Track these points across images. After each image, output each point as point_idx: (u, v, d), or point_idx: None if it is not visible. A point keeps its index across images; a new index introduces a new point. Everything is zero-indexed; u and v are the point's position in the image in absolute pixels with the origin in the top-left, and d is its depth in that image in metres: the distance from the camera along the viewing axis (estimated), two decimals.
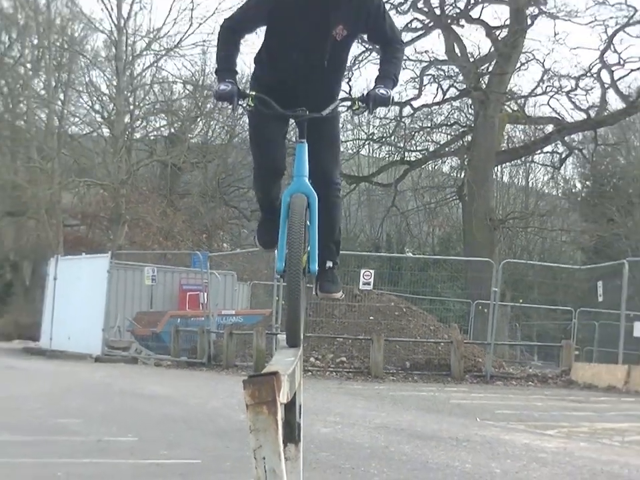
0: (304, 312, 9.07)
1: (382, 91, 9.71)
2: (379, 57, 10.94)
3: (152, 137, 74.18)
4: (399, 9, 65.70)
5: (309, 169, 9.99)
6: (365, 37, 10.67)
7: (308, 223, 9.84)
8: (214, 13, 69.21)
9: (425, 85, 67.96)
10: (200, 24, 68.48)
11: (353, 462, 16.51)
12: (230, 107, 9.94)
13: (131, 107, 71.89)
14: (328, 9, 9.28)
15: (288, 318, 9.03)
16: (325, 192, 10.02)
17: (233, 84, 9.45)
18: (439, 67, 67.74)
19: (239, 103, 9.56)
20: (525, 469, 17.28)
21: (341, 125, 11.67)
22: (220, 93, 9.42)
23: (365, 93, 10.05)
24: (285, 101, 9.51)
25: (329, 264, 10.05)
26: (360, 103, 9.96)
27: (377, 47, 10.70)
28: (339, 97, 10.22)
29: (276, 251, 10.07)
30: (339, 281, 10.19)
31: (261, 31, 9.93)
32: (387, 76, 9.98)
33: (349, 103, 10.17)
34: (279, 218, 9.81)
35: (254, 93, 9.63)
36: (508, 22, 66.38)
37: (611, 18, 66.40)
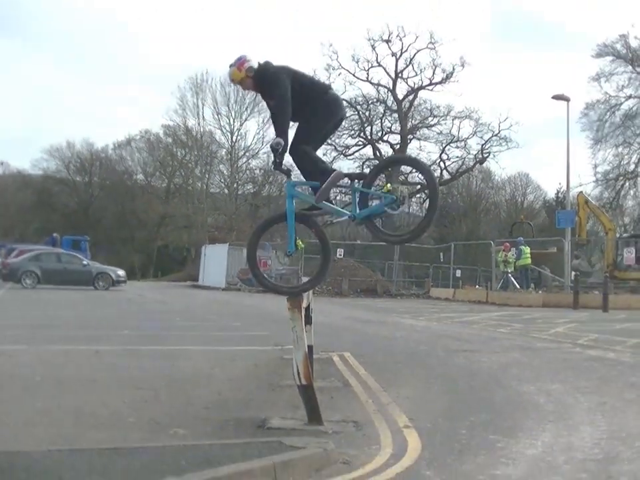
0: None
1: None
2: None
3: (246, 193, 74.05)
4: (352, 134, 65.55)
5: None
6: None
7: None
8: None
9: (364, 170, 67.81)
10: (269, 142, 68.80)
11: (334, 332, 16.51)
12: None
13: (237, 180, 72.08)
14: None
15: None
16: None
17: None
18: (370, 161, 67.43)
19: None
20: (409, 333, 17.26)
21: None
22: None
23: None
24: None
25: None
26: None
27: None
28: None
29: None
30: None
31: None
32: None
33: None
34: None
35: None
36: (400, 142, 66.26)
37: (444, 139, 66.36)
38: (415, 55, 63.98)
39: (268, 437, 6.72)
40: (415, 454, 6.48)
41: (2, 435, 6.67)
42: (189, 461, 5.76)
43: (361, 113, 65.78)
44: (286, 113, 7.96)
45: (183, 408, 8.05)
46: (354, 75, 64.19)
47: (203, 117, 69.64)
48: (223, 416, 7.66)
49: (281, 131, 7.89)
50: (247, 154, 71.26)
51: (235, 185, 72.84)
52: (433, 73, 64.21)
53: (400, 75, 64.98)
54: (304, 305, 7.71)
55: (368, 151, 67.87)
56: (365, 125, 66.43)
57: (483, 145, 66.17)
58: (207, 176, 72.57)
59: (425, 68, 64.31)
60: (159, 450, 6.17)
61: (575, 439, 7.16)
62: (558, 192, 68.19)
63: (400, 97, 65.84)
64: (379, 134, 67.71)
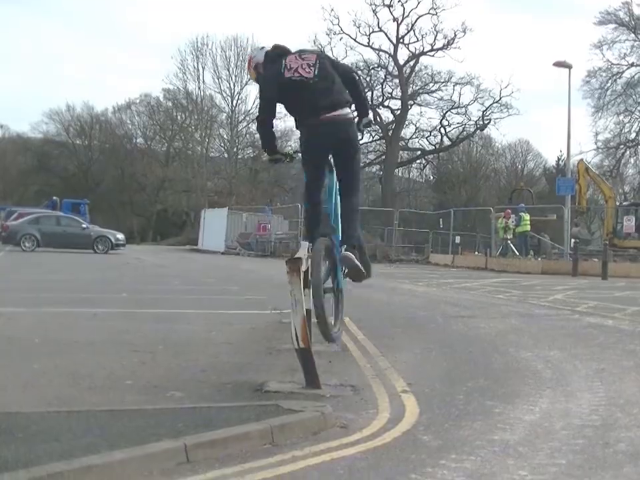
0: None
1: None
2: None
3: (245, 157, 74.11)
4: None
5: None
6: None
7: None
8: None
9: (364, 134, 67.68)
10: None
11: None
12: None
13: (237, 144, 72.15)
14: None
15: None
16: None
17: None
18: (372, 126, 67.32)
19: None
20: (408, 299, 17.28)
21: None
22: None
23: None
24: None
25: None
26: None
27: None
28: None
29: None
30: None
31: None
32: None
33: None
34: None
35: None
36: (400, 107, 66.04)
37: (444, 105, 66.15)
38: (416, 21, 63.74)
39: (265, 400, 6.71)
40: (412, 418, 6.47)
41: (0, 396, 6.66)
42: (186, 424, 5.75)
43: (361, 78, 65.60)
44: (261, 136, 7.74)
45: (180, 371, 8.05)
46: (355, 40, 63.99)
47: (203, 80, 70.01)
48: (220, 379, 7.65)
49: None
50: (247, 118, 71.39)
51: (235, 149, 73.08)
52: (435, 39, 63.97)
53: (401, 40, 64.69)
54: (303, 268, 7.67)
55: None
56: (366, 90, 66.23)
57: (483, 112, 66.19)
58: (206, 140, 72.73)
59: (426, 34, 64.08)
60: (156, 412, 6.16)
61: (573, 405, 7.15)
62: (558, 159, 68.23)
63: (401, 62, 65.66)
64: (380, 99, 67.55)
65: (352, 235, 7.66)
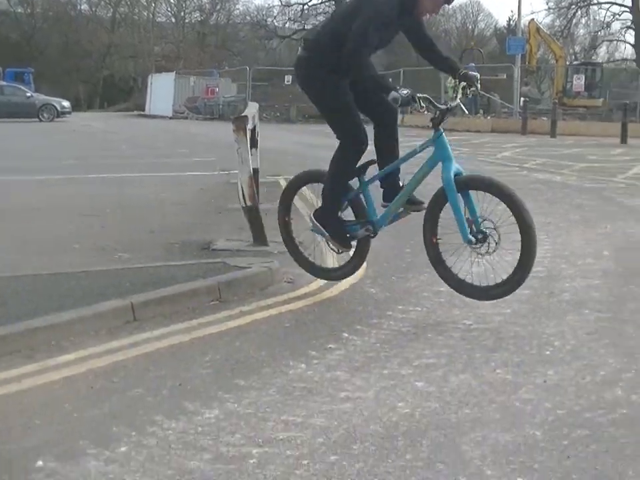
0: None
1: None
2: None
3: (193, 21, 72.57)
4: None
5: None
6: None
7: None
8: None
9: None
10: None
11: (281, 157, 16.15)
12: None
13: (184, 8, 70.84)
14: None
15: None
16: None
17: None
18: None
19: None
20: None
21: None
22: None
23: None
24: None
25: None
26: None
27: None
28: None
29: None
30: None
31: None
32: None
33: None
34: None
35: None
36: None
37: None
38: None
39: (213, 258, 6.72)
40: (359, 272, 6.49)
41: None
42: (133, 283, 5.75)
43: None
44: None
45: (128, 233, 8.00)
46: None
47: None
48: (168, 239, 7.61)
49: None
50: None
51: (182, 14, 71.52)
52: None
53: None
54: (249, 127, 7.55)
55: None
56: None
57: None
58: (153, 4, 70.92)
59: None
60: (103, 274, 6.14)
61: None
62: (509, 20, 67.44)
63: None
64: None
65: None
